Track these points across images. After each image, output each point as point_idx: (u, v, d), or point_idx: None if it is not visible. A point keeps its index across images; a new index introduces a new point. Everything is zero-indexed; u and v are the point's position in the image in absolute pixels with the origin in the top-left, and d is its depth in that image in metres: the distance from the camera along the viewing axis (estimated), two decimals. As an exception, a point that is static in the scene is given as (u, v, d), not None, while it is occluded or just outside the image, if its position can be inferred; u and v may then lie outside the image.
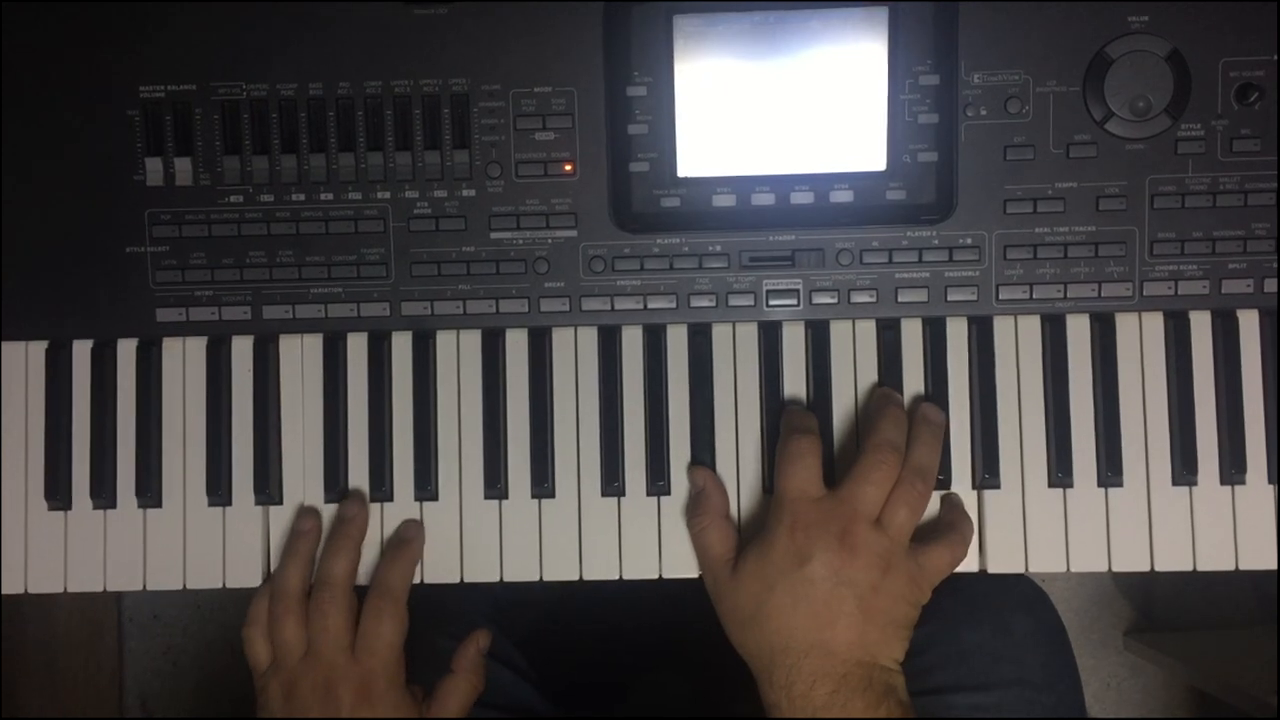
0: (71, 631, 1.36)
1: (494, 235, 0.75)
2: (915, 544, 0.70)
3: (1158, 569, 0.74)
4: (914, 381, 0.75)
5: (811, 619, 0.67)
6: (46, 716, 1.34)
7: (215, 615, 1.42)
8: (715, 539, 0.72)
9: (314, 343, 0.77)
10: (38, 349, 0.77)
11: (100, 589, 0.77)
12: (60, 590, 0.77)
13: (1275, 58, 0.73)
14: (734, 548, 0.72)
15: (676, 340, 0.76)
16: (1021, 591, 0.85)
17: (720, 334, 0.76)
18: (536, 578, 0.76)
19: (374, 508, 0.76)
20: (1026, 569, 0.75)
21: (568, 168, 0.75)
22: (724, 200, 0.76)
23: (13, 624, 1.29)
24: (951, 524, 0.73)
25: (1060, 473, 0.74)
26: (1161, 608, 1.43)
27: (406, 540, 0.75)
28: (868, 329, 0.76)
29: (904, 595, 0.69)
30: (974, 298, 0.75)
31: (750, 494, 0.76)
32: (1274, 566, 0.74)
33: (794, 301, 0.75)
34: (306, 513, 0.76)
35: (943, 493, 0.75)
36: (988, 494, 0.75)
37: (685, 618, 0.75)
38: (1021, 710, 0.79)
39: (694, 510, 0.73)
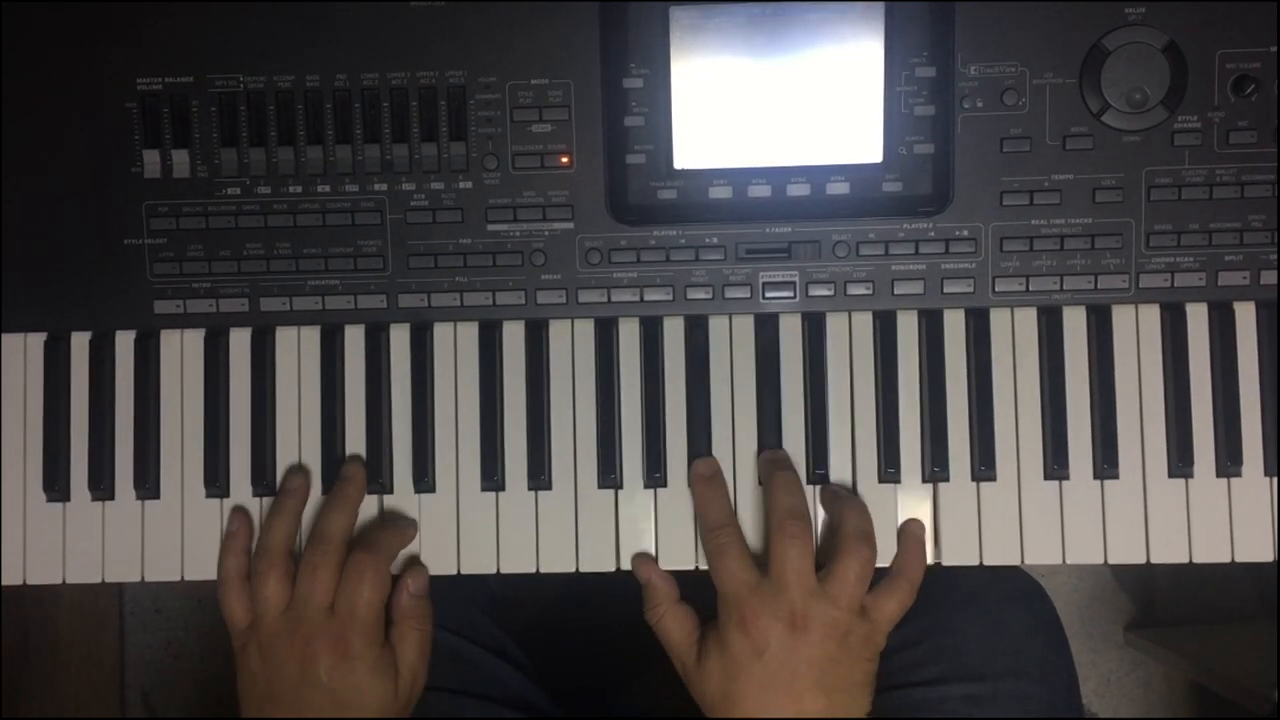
0: (73, 625, 1.36)
1: (491, 227, 0.75)
2: (865, 595, 0.71)
3: (1153, 561, 0.74)
4: (910, 374, 0.75)
5: (779, 703, 0.69)
6: (48, 712, 1.34)
7: (216, 608, 1.41)
8: (673, 625, 0.73)
9: (311, 335, 0.77)
10: (36, 341, 0.77)
11: (99, 580, 0.77)
12: (59, 581, 0.77)
13: (1274, 49, 0.73)
14: (694, 629, 0.73)
15: (673, 332, 0.76)
16: (1017, 584, 0.85)
17: (717, 326, 0.76)
18: (533, 569, 0.76)
19: (371, 500, 0.76)
20: (1022, 561, 0.75)
21: (564, 160, 0.75)
22: (720, 192, 0.76)
23: (14, 618, 1.30)
24: (901, 569, 0.74)
25: (1056, 465, 0.75)
26: (1162, 602, 1.43)
27: (405, 520, 0.76)
28: (864, 321, 0.76)
29: (861, 655, 0.71)
30: (970, 290, 0.75)
31: (747, 487, 0.76)
32: (1270, 559, 0.74)
33: (790, 294, 0.75)
34: (294, 471, 0.76)
35: (903, 521, 0.75)
36: (984, 486, 0.75)
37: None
38: (1016, 702, 0.80)
39: (647, 603, 0.74)
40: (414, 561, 0.76)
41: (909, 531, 0.75)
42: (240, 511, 0.76)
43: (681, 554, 0.76)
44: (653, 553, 0.76)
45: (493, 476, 0.76)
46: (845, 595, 0.70)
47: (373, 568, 0.71)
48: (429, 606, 0.75)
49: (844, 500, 0.73)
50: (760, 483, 0.75)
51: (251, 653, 0.73)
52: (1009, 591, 0.84)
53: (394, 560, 0.74)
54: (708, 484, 0.74)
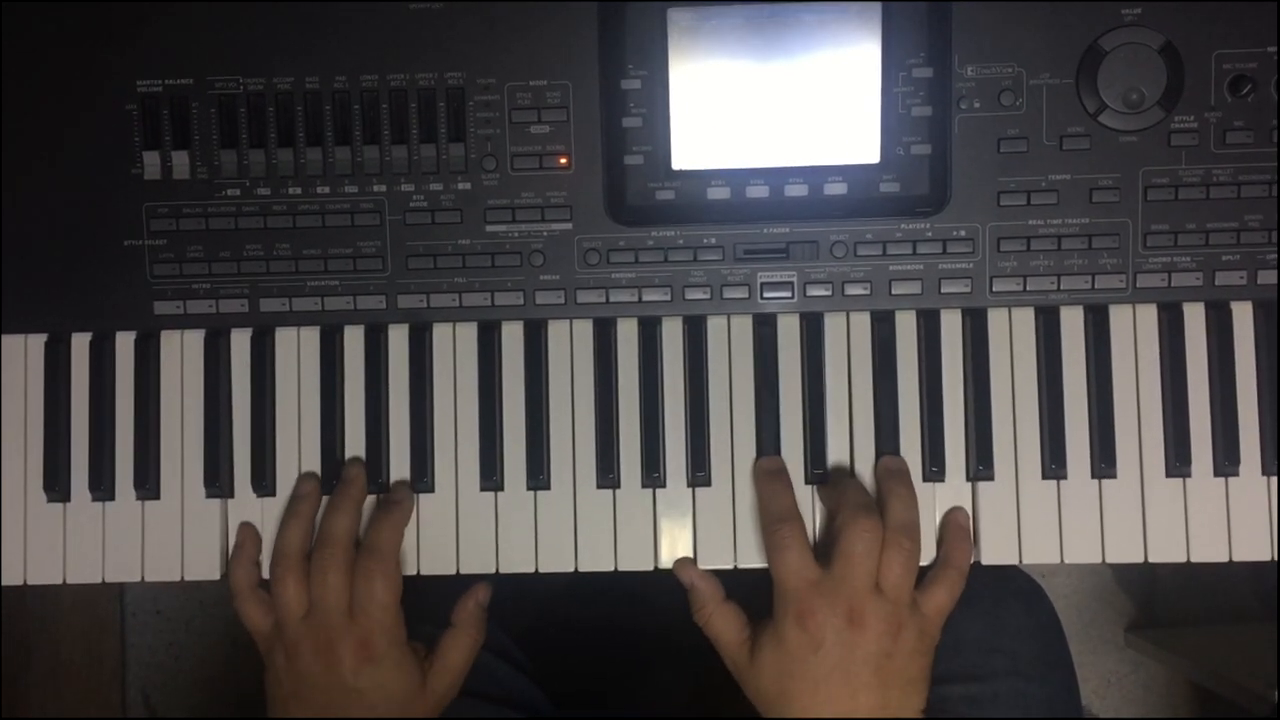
0: (74, 627, 1.36)
1: (489, 228, 0.76)
2: (915, 590, 0.71)
3: (1151, 560, 0.74)
4: (908, 374, 0.76)
5: (833, 699, 0.69)
6: (49, 712, 1.34)
7: (218, 610, 1.43)
8: (722, 625, 0.73)
9: (311, 335, 0.77)
10: (37, 342, 0.77)
11: (99, 580, 0.77)
12: (59, 581, 0.77)
13: (1270, 49, 0.73)
14: (743, 626, 0.73)
15: (671, 332, 0.76)
16: (1017, 584, 0.86)
17: (715, 326, 0.76)
18: (532, 569, 0.76)
19: (370, 499, 0.76)
20: (1020, 561, 0.75)
21: (563, 161, 0.75)
22: (718, 193, 0.76)
23: (15, 619, 1.30)
24: (947, 558, 0.74)
25: (1054, 464, 0.75)
26: (1162, 603, 1.43)
27: (395, 501, 0.75)
28: (862, 321, 0.76)
29: (916, 650, 0.70)
30: (968, 290, 0.75)
31: (746, 487, 0.76)
32: (1267, 558, 0.74)
33: (788, 294, 0.75)
34: (306, 477, 0.77)
35: (947, 510, 0.75)
36: (981, 486, 0.75)
37: (686, 616, 0.75)
38: (1015, 702, 0.80)
39: (694, 605, 0.75)
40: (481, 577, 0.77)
41: (953, 520, 0.75)
42: (246, 525, 0.77)
43: (680, 552, 0.76)
44: (650, 553, 0.76)
45: (491, 476, 0.76)
46: (893, 587, 0.70)
47: (380, 570, 0.72)
48: (486, 618, 0.78)
49: (892, 491, 0.73)
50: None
51: (277, 656, 0.73)
52: (1008, 592, 0.84)
53: (399, 550, 0.74)
54: (773, 478, 0.74)
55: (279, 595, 0.73)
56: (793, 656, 0.69)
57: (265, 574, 0.76)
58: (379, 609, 0.72)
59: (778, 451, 0.76)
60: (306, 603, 0.72)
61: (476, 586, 0.78)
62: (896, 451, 0.75)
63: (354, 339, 0.77)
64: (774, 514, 0.72)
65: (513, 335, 0.77)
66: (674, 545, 0.76)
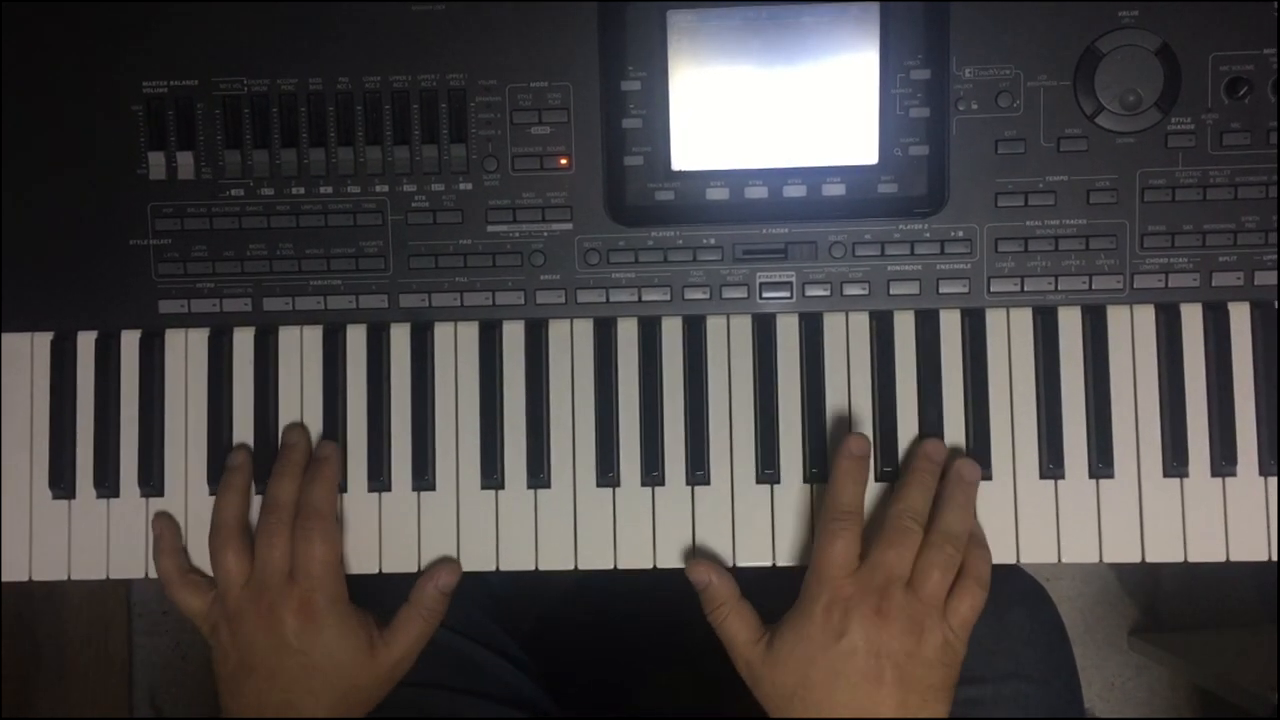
0: (81, 627, 1.37)
1: (490, 228, 0.76)
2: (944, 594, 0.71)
3: (1148, 560, 0.74)
4: (906, 374, 0.76)
5: (852, 693, 0.68)
6: (55, 712, 1.35)
7: (223, 611, 1.43)
8: (737, 625, 0.72)
9: (314, 334, 0.78)
10: (43, 340, 0.78)
11: (103, 576, 0.78)
12: (64, 578, 0.78)
13: (1266, 51, 0.73)
14: (758, 626, 0.72)
15: (671, 332, 0.77)
16: (1019, 586, 0.85)
17: (714, 326, 0.77)
18: (532, 567, 0.77)
19: (372, 498, 0.77)
20: (1018, 560, 0.75)
21: (563, 161, 0.76)
22: (717, 193, 0.77)
23: (22, 619, 1.30)
24: (965, 568, 0.72)
25: (1051, 464, 0.75)
26: (1166, 607, 1.42)
27: (323, 459, 0.76)
28: (860, 321, 0.76)
29: (939, 659, 0.69)
30: (965, 290, 0.75)
31: (745, 486, 0.76)
32: (1264, 557, 0.74)
33: (787, 294, 0.76)
34: (238, 449, 0.77)
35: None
36: (979, 485, 0.75)
37: (689, 616, 0.76)
38: (1017, 704, 0.80)
39: (709, 604, 0.73)
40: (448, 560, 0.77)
41: (971, 533, 0.74)
42: (161, 516, 0.77)
43: (678, 552, 0.76)
44: (649, 551, 0.76)
45: (492, 475, 0.76)
46: (928, 590, 0.69)
47: (319, 529, 0.73)
48: (445, 605, 0.77)
49: (951, 498, 0.72)
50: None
51: (220, 630, 0.73)
52: (1010, 593, 0.84)
53: (335, 508, 0.75)
54: (855, 464, 0.73)
55: (219, 566, 0.73)
56: (816, 642, 0.69)
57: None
58: (319, 566, 0.72)
59: (774, 452, 0.76)
60: (247, 571, 0.73)
61: (438, 570, 0.76)
62: (894, 452, 0.76)
63: (356, 338, 0.78)
64: (842, 504, 0.72)
65: (513, 334, 0.77)
66: (673, 544, 0.76)
